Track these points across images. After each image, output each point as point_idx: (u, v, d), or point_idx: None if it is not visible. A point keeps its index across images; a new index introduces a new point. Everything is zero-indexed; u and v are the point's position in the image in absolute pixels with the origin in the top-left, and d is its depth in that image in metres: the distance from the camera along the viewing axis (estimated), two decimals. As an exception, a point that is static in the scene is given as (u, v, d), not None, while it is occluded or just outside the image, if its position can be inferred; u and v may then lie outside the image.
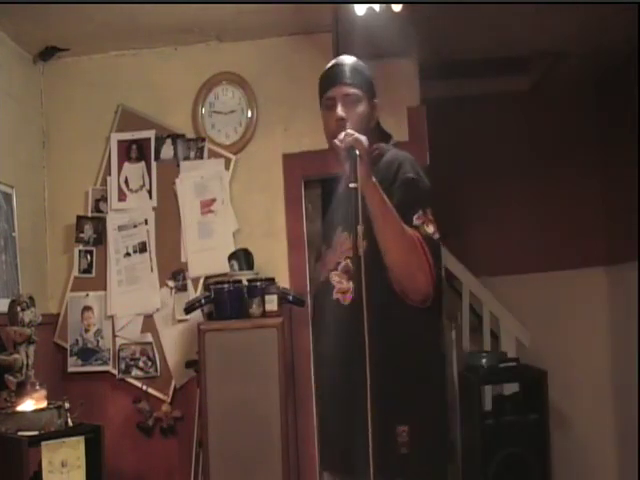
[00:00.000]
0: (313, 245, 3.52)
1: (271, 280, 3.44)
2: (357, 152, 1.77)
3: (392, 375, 1.81)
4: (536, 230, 5.04)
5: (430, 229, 1.91)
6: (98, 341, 3.76)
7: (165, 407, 3.71)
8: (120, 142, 3.84)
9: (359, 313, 1.64)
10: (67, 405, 2.95)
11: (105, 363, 3.75)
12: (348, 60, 2.13)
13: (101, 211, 3.83)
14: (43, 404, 2.96)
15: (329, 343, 2.01)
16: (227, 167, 3.79)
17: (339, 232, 2.03)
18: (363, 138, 1.82)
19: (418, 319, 1.95)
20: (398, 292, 1.90)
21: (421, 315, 1.95)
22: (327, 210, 2.27)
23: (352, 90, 2.06)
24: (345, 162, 1.80)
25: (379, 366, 1.71)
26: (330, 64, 2.15)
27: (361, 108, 2.06)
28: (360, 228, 1.76)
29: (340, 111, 2.03)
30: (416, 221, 1.90)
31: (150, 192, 3.81)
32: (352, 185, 1.71)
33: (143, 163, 3.83)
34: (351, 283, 1.94)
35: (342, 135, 1.85)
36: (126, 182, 3.83)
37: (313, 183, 3.99)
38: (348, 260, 1.97)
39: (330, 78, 2.10)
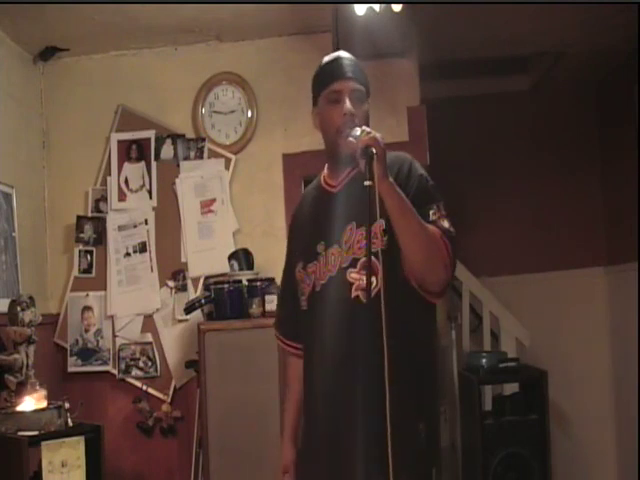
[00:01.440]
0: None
1: (271, 280, 3.44)
2: (373, 150, 1.74)
3: (412, 372, 1.82)
4: (536, 230, 5.04)
5: (446, 224, 1.90)
6: (98, 341, 3.76)
7: (165, 407, 3.71)
8: (120, 142, 3.84)
9: (381, 310, 1.63)
10: (67, 405, 2.95)
11: (105, 363, 3.76)
12: (349, 56, 2.06)
13: (101, 211, 3.83)
14: (43, 404, 2.96)
15: (339, 341, 1.95)
16: (227, 167, 3.79)
17: (352, 228, 1.96)
18: (379, 136, 1.78)
19: (429, 315, 2.01)
20: (416, 285, 1.89)
21: (430, 312, 2.00)
22: (314, 207, 2.13)
23: (359, 86, 1.99)
24: (360, 160, 1.76)
25: (402, 363, 1.71)
26: (330, 58, 2.06)
27: (365, 106, 2.00)
28: (379, 224, 1.76)
29: (350, 106, 1.95)
30: (432, 216, 1.89)
31: (150, 192, 3.81)
32: (367, 183, 1.70)
33: (143, 163, 3.83)
34: (373, 279, 1.85)
35: (358, 132, 1.80)
36: (126, 182, 3.83)
37: (313, 183, 3.99)
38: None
39: (335, 71, 2.01)
